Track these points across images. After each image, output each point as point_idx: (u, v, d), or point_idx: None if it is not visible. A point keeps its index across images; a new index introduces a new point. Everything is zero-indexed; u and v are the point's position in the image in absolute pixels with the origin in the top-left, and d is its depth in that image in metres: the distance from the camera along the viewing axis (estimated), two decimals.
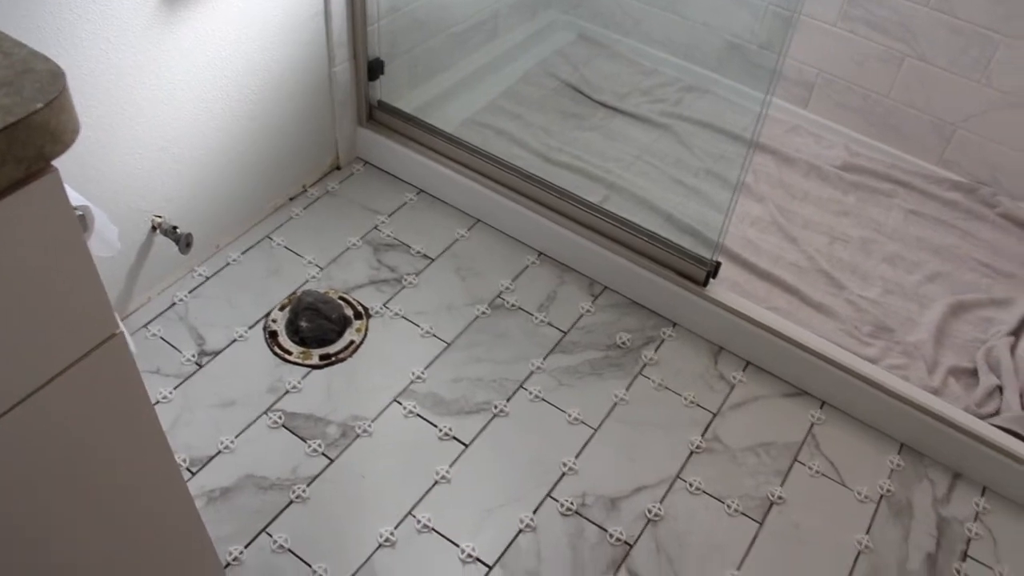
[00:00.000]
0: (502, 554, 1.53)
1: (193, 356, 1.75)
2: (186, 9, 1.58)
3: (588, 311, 1.95)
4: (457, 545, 1.53)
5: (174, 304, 1.84)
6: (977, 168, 2.36)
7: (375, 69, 2.07)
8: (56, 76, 0.73)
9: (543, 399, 1.77)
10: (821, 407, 1.83)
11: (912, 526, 1.66)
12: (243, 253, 1.95)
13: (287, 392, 1.72)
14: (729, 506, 1.65)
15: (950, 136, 2.36)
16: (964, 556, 1.63)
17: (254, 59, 1.78)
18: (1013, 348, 1.93)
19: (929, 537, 1.65)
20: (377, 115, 2.14)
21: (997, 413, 1.79)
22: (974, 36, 2.21)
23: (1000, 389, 1.83)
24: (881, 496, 1.70)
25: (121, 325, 0.91)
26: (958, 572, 1.61)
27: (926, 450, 1.77)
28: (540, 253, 2.05)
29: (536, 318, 1.92)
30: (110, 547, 1.06)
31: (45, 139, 0.73)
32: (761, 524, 1.63)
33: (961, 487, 1.74)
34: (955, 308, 2.02)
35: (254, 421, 1.66)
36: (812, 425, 1.80)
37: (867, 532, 1.64)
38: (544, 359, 1.84)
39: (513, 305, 1.93)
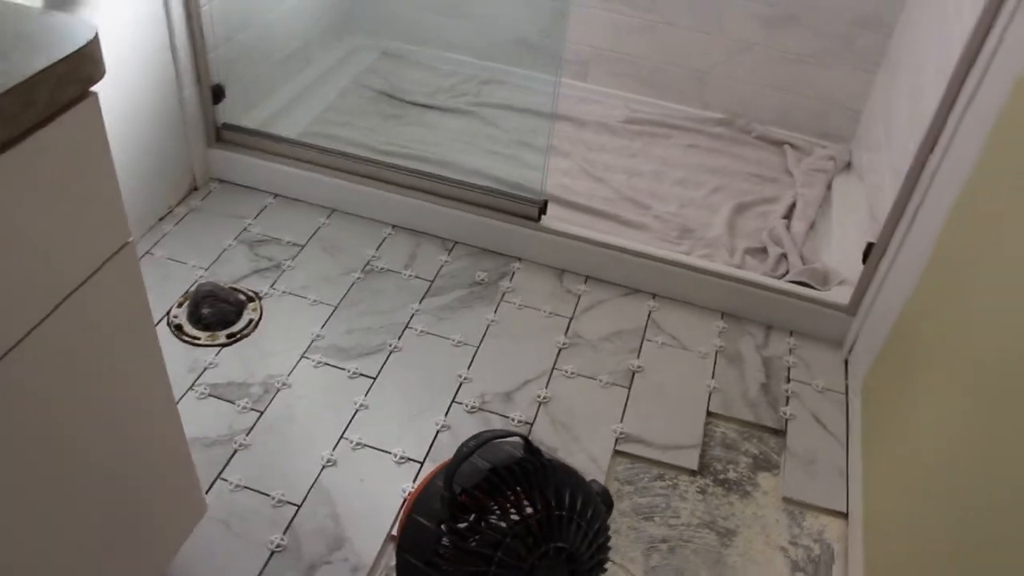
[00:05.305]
0: (428, 450, 1.81)
1: None
2: None
3: (447, 262, 2.26)
4: (389, 452, 1.79)
5: None
6: (731, 104, 2.86)
7: (218, 94, 2.32)
8: (87, 23, 0.98)
9: (428, 332, 2.06)
10: (654, 298, 2.22)
11: (744, 368, 2.06)
12: None
13: (205, 369, 1.93)
14: (601, 381, 1.99)
15: (705, 82, 2.84)
16: (788, 379, 2.05)
17: (116, 93, 2.00)
18: (787, 227, 2.39)
19: (759, 372, 2.05)
20: (224, 135, 2.38)
21: (787, 273, 2.23)
22: None
23: (784, 256, 2.27)
24: (716, 351, 2.09)
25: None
26: (787, 391, 2.02)
27: (741, 312, 2.19)
28: (394, 225, 2.35)
29: (404, 274, 2.21)
30: (107, 458, 1.20)
31: (92, 66, 0.98)
32: (629, 389, 1.98)
33: (774, 334, 2.16)
34: (738, 208, 2.47)
35: (183, 396, 1.86)
36: (650, 312, 2.18)
37: (712, 378, 2.03)
38: (420, 303, 2.13)
39: (382, 268, 2.22)
